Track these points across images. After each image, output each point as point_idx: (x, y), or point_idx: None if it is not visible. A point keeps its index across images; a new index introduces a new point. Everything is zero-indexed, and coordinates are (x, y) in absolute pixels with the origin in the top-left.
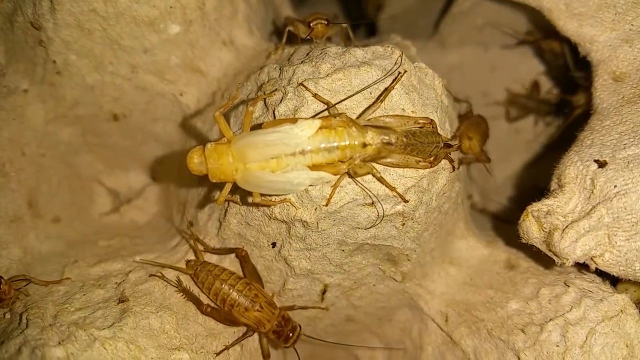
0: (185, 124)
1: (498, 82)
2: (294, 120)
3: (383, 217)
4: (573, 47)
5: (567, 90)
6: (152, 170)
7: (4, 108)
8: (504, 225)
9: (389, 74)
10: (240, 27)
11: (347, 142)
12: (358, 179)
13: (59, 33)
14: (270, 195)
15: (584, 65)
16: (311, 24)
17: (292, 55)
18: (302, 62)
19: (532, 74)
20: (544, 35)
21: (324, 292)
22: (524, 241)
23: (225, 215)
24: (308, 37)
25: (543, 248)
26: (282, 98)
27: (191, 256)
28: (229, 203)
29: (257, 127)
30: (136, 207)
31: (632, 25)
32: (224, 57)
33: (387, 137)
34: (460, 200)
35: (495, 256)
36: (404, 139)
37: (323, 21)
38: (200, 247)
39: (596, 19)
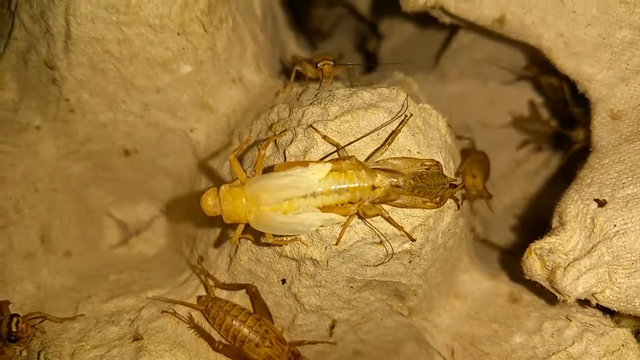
0: (198, 164)
1: (497, 114)
2: (305, 164)
3: (392, 255)
4: (571, 83)
5: (566, 124)
6: (161, 203)
7: (17, 145)
8: (507, 256)
9: (395, 117)
10: (248, 65)
11: (357, 185)
12: (367, 219)
13: (73, 72)
14: (281, 236)
15: (582, 101)
16: (318, 65)
17: (300, 95)
18: (311, 103)
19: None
20: (542, 71)
21: (332, 327)
22: (527, 278)
23: (236, 252)
24: (315, 76)
25: (546, 285)
26: (293, 139)
27: (201, 291)
28: (240, 240)
29: (269, 168)
30: (145, 240)
31: (627, 64)
32: (233, 95)
33: (395, 180)
34: (463, 235)
35: (499, 289)
36: (412, 182)
37: (330, 62)
38: (211, 283)
39: (594, 58)
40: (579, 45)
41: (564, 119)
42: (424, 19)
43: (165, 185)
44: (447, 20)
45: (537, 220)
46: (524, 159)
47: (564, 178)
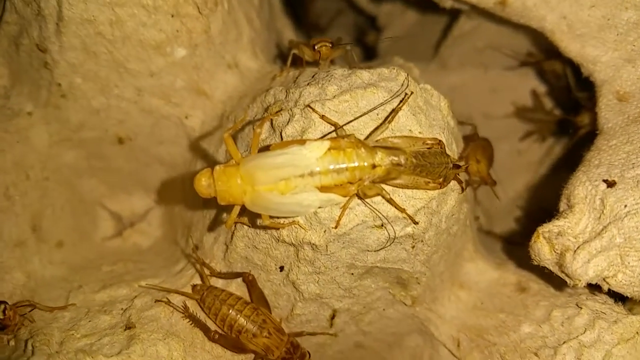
0: (191, 147)
1: (499, 103)
2: (302, 142)
3: (394, 239)
4: (574, 68)
5: (570, 111)
6: (155, 193)
7: (8, 131)
8: (512, 247)
9: (395, 95)
10: (244, 50)
11: (357, 164)
12: (367, 200)
13: (65, 56)
14: (278, 218)
15: (586, 86)
16: (316, 47)
17: (297, 77)
18: (308, 84)
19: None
20: (545, 57)
21: (332, 317)
22: (536, 263)
23: (232, 239)
24: (313, 59)
25: (555, 270)
26: (289, 120)
27: (197, 281)
28: (236, 226)
29: (265, 148)
30: (139, 231)
31: (633, 45)
32: (229, 80)
33: (396, 158)
34: (468, 222)
35: (505, 279)
36: (414, 160)
37: (328, 44)
38: (207, 272)
39: (598, 39)
40: (582, 27)
41: (568, 107)
42: (423, 5)
43: (160, 174)
44: (448, 4)
45: (541, 211)
46: (526, 149)
47: (567, 167)
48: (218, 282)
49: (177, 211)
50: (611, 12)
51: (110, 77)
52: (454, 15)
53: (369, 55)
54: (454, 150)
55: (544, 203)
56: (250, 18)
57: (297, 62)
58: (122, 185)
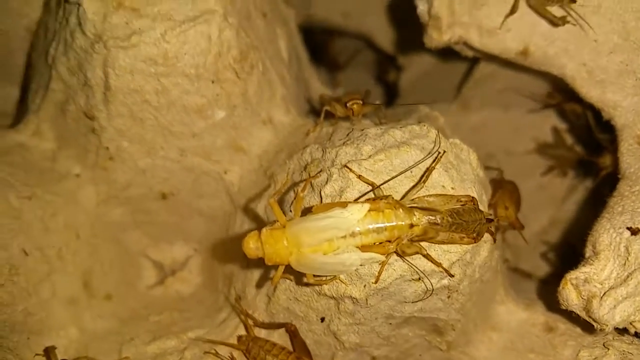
0: (230, 201)
1: (520, 141)
2: (343, 204)
3: (432, 292)
4: (594, 110)
5: (590, 149)
6: (195, 243)
7: (58, 194)
8: (539, 284)
9: (429, 155)
10: (278, 106)
11: (395, 223)
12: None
13: (112, 122)
14: (321, 277)
15: (607, 127)
16: (347, 105)
17: (332, 134)
18: (343, 143)
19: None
20: (565, 98)
21: None
22: (564, 308)
23: (274, 291)
24: (345, 115)
25: (583, 314)
26: (328, 179)
27: (240, 330)
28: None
29: (307, 210)
30: (180, 279)
31: None
32: (264, 136)
33: (433, 218)
34: (499, 267)
35: (534, 319)
36: (449, 219)
37: (359, 101)
38: (250, 322)
39: (617, 85)
40: (602, 73)
41: (589, 145)
42: (444, 52)
43: (200, 225)
44: (469, 53)
45: (566, 246)
46: (549, 184)
47: (591, 203)
48: (261, 332)
49: (217, 261)
50: (629, 58)
51: (155, 139)
52: (473, 59)
53: (390, 93)
54: (484, 201)
55: (569, 237)
56: (281, 75)
57: (329, 116)
58: (164, 236)
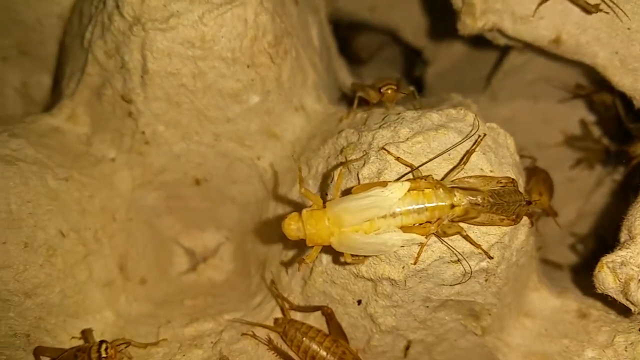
0: (262, 187)
1: (550, 133)
2: (384, 184)
3: (470, 274)
4: (624, 100)
5: (618, 141)
6: (227, 230)
7: (94, 177)
8: (569, 273)
9: (467, 137)
10: (309, 93)
11: (436, 204)
12: (444, 238)
13: (149, 106)
14: (359, 256)
15: (637, 117)
16: (381, 90)
17: (366, 119)
18: (380, 126)
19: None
20: (594, 88)
21: (407, 348)
22: (600, 292)
23: (310, 274)
24: (378, 100)
25: (619, 298)
26: (365, 162)
27: (276, 314)
28: (314, 262)
29: (346, 191)
30: (212, 266)
31: None
32: (297, 122)
33: (474, 198)
34: (534, 254)
35: (567, 306)
36: (490, 199)
37: (393, 86)
38: (286, 305)
39: None
40: (634, 61)
41: (616, 137)
42: (474, 41)
43: (232, 212)
44: (502, 41)
45: (595, 237)
46: (577, 176)
47: (620, 195)
48: (297, 315)
49: (249, 247)
50: None
51: (191, 124)
52: (504, 49)
53: (416, 88)
54: (521, 185)
55: (597, 229)
56: (314, 63)
57: (362, 103)
58: (196, 223)
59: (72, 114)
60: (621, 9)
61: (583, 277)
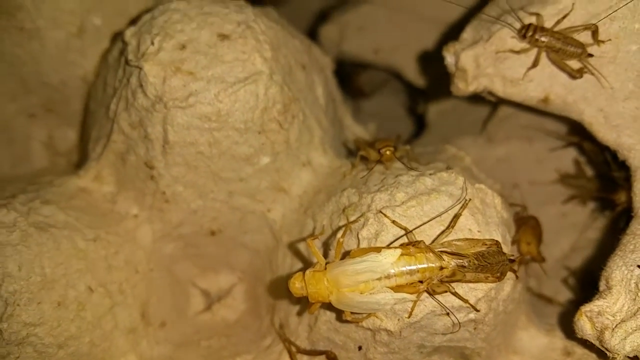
0: (272, 236)
1: (544, 172)
2: (378, 250)
3: (459, 325)
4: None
5: (608, 186)
6: (240, 272)
7: (119, 234)
8: (560, 309)
9: (457, 203)
10: (316, 149)
11: (427, 265)
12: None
13: (170, 170)
14: (358, 314)
15: (624, 165)
16: (380, 151)
17: (367, 179)
18: (378, 189)
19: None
20: (583, 137)
21: None
22: (579, 337)
23: (315, 322)
24: (377, 159)
25: (596, 343)
26: (364, 224)
27: (285, 356)
28: (319, 311)
29: (346, 253)
30: (226, 305)
31: None
32: (304, 177)
33: (460, 261)
34: (521, 298)
35: (554, 344)
36: (475, 261)
37: (391, 147)
38: (293, 349)
39: (632, 129)
40: (618, 118)
41: (607, 181)
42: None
43: (244, 257)
44: (493, 99)
45: (585, 272)
46: (571, 211)
47: (609, 232)
48: (303, 358)
49: (260, 291)
50: None
51: (207, 184)
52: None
53: (419, 123)
54: (507, 240)
55: (588, 264)
56: (319, 120)
57: (364, 160)
58: (211, 267)
59: (98, 175)
60: (602, 75)
61: (571, 315)
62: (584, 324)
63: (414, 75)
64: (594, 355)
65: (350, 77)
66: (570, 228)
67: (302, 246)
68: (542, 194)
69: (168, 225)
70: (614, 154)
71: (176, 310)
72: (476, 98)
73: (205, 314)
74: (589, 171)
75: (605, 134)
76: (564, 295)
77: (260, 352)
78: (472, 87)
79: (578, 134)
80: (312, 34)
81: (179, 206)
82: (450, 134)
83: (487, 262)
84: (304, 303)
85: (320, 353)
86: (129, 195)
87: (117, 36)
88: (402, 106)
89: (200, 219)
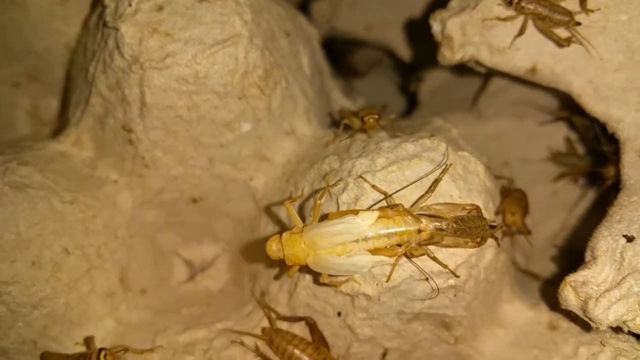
0: (255, 205)
1: (535, 149)
2: (355, 212)
3: (438, 291)
4: (601, 123)
5: (599, 161)
6: (223, 243)
7: (97, 198)
8: (547, 285)
9: (438, 167)
10: (300, 118)
11: (404, 229)
12: (414, 259)
13: (148, 134)
14: (336, 277)
15: (613, 139)
16: (364, 119)
17: (349, 146)
18: (359, 155)
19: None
20: (574, 111)
21: (384, 355)
22: (563, 307)
23: (295, 288)
24: (361, 128)
25: (580, 314)
26: (344, 188)
27: (265, 323)
28: (298, 277)
29: (324, 216)
30: (209, 276)
31: None
32: (287, 146)
33: (438, 224)
34: (505, 269)
35: (539, 317)
36: (454, 225)
37: (375, 115)
38: (273, 315)
39: (622, 101)
40: (607, 90)
41: (597, 156)
42: (460, 66)
43: (227, 227)
44: (481, 70)
45: (574, 250)
46: (562, 190)
47: (599, 210)
48: (283, 325)
49: (243, 260)
50: (633, 75)
51: (187, 150)
52: (488, 74)
53: (411, 102)
54: (490, 209)
55: (577, 242)
56: (304, 89)
57: (348, 129)
58: (194, 237)
59: (77, 140)
60: (591, 44)
61: (556, 289)
62: (568, 294)
63: (406, 52)
64: (578, 328)
65: (343, 55)
66: (561, 207)
67: (283, 214)
68: (532, 172)
69: (148, 191)
70: (603, 127)
71: (158, 278)
72: (467, 72)
73: (188, 284)
74: (580, 149)
75: (594, 105)
76: (553, 273)
77: (241, 319)
78: (458, 56)
79: (568, 109)
80: (304, 10)
81: (159, 172)
82: (441, 112)
83: (467, 226)
84: (283, 267)
85: (300, 319)
86: (109, 160)
87: (98, 2)
88: (395, 85)
89: (181, 186)
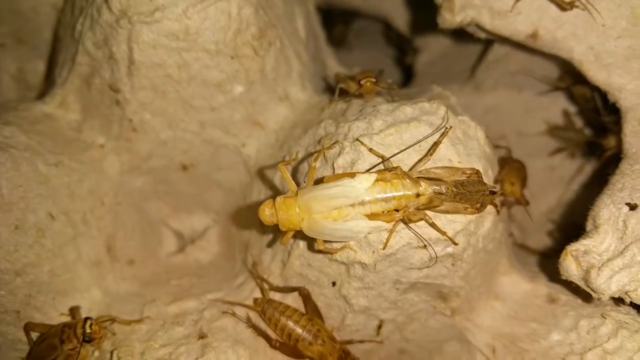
0: (247, 173)
1: (532, 122)
2: (352, 175)
3: (436, 259)
4: (602, 93)
5: (598, 132)
6: (214, 213)
7: (83, 162)
8: (544, 259)
9: (437, 129)
10: (294, 83)
11: (402, 193)
12: (411, 225)
13: (136, 95)
14: (331, 244)
15: (613, 110)
16: (361, 82)
17: (345, 110)
18: (356, 118)
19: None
20: (574, 81)
21: (379, 327)
22: (564, 278)
23: (288, 257)
24: (358, 92)
25: (581, 284)
26: (340, 152)
27: (257, 294)
28: (292, 246)
29: (319, 180)
30: (199, 247)
31: None
32: (281, 111)
33: (438, 188)
34: (503, 240)
35: (537, 290)
36: (454, 189)
37: (372, 79)
38: (266, 286)
39: (624, 69)
40: (609, 57)
41: (596, 128)
42: (459, 34)
43: (218, 196)
44: (482, 35)
45: (572, 225)
46: (559, 165)
47: (597, 184)
48: (276, 296)
49: (234, 230)
50: (636, 43)
51: (176, 112)
52: (487, 41)
53: (407, 74)
54: (489, 176)
55: (574, 217)
56: (298, 53)
57: (344, 94)
58: (184, 207)
59: (63, 101)
60: (595, 8)
61: (555, 262)
62: (569, 264)
63: (402, 24)
64: (579, 301)
65: (339, 27)
66: (558, 182)
67: (277, 180)
68: (530, 146)
69: (136, 156)
70: (603, 97)
71: (146, 249)
72: (465, 40)
73: (178, 255)
74: (578, 123)
75: (595, 73)
76: (549, 247)
77: (232, 290)
78: (458, 18)
79: (568, 79)
80: None
81: (147, 136)
82: (438, 83)
83: (467, 190)
84: (276, 235)
85: (293, 290)
86: (95, 123)
87: None
88: (390, 59)
89: (171, 151)
